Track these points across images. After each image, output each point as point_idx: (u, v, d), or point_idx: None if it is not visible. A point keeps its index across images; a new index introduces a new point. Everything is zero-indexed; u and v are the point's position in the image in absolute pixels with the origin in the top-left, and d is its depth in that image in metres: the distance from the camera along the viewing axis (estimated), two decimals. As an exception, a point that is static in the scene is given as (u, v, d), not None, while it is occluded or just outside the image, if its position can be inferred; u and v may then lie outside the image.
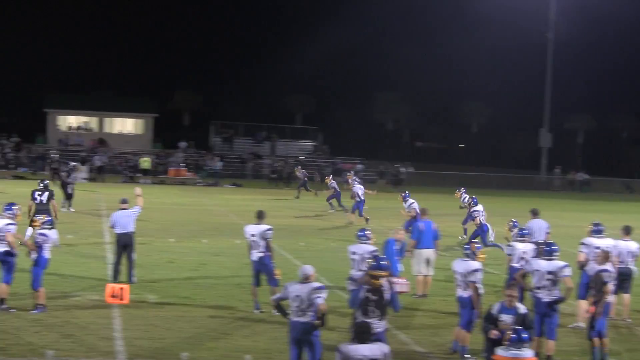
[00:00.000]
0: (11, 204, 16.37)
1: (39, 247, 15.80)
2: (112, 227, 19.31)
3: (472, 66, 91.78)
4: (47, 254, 15.91)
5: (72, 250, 23.39)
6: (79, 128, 74.11)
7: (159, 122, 76.76)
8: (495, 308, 11.96)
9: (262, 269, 16.54)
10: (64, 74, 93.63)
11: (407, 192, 30.95)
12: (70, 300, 16.92)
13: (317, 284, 11.82)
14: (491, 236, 25.90)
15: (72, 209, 33.41)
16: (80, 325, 14.87)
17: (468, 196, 29.86)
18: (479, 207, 27.04)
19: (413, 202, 28.48)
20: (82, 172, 55.19)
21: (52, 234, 16.10)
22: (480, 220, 25.42)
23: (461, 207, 31.30)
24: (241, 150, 72.79)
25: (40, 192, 25.47)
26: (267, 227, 16.70)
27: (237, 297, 17.83)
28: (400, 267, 17.84)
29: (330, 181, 38.54)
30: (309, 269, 11.98)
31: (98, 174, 57.37)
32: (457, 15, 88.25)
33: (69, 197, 34.17)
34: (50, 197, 25.63)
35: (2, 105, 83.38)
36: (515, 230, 17.73)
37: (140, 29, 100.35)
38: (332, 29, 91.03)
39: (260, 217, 16.96)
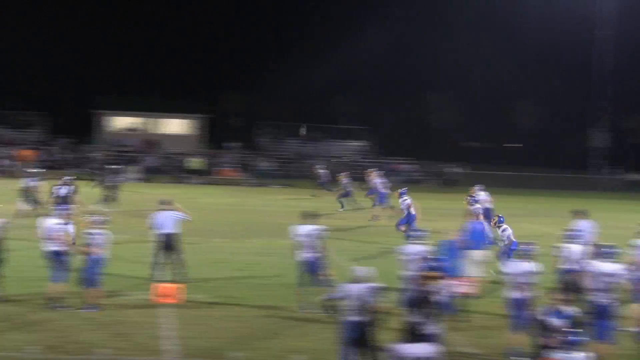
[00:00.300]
0: (65, 204, 16.74)
1: (91, 247, 16.15)
2: (153, 227, 19.58)
3: (523, 65, 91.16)
4: (101, 253, 16.25)
5: (122, 249, 23.77)
6: (129, 129, 74.97)
7: (209, 122, 77.32)
8: (544, 311, 11.85)
9: (312, 270, 16.71)
10: (114, 76, 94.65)
11: (405, 189, 30.86)
12: (122, 299, 17.23)
13: (371, 284, 11.99)
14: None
15: (109, 210, 33.64)
16: (131, 324, 15.18)
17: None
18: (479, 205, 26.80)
19: (407, 199, 28.61)
20: (133, 172, 55.92)
21: (103, 233, 16.41)
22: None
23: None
24: (290, 151, 72.97)
25: (59, 187, 26.15)
26: (321, 227, 16.88)
27: (286, 297, 17.92)
28: (465, 268, 17.47)
29: (343, 179, 38.60)
30: (363, 270, 12.18)
31: (148, 175, 57.97)
32: (508, 14, 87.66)
33: (109, 198, 34.37)
34: (71, 192, 26.41)
35: (53, 106, 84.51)
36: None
37: (190, 30, 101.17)
38: (382, 28, 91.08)
39: (312, 217, 17.17)
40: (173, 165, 62.39)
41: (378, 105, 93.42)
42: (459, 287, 15.93)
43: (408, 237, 15.98)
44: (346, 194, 38.11)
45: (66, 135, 69.86)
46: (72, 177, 27.76)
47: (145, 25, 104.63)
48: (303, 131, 76.32)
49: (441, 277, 12.19)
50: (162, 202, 19.92)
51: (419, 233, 16.03)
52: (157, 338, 14.32)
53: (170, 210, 19.70)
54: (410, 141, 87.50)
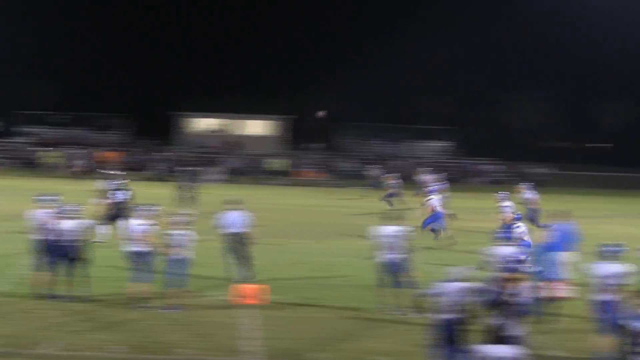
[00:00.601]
0: (150, 205, 16.98)
1: (171, 247, 16.35)
2: (221, 227, 19.72)
3: (608, 64, 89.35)
4: (184, 254, 16.45)
5: (204, 250, 24.02)
6: (210, 130, 75.71)
7: (290, 123, 77.63)
8: (628, 315, 11.62)
9: (393, 270, 16.66)
10: (196, 77, 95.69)
11: (434, 187, 31.17)
12: (204, 299, 17.40)
13: (467, 284, 11.96)
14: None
15: (190, 211, 33.82)
16: (212, 325, 15.35)
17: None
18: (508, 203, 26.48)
19: (433, 198, 28.79)
20: (214, 174, 56.47)
21: (186, 234, 16.60)
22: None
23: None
24: (372, 152, 72.75)
25: (115, 191, 26.39)
26: (401, 228, 16.85)
27: (366, 299, 17.90)
28: (554, 270, 16.95)
29: (390, 180, 38.35)
30: (460, 270, 12.28)
31: (229, 176, 58.45)
32: (593, 12, 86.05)
33: (188, 199, 34.51)
34: (126, 195, 26.58)
35: (135, 108, 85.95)
36: None
37: (272, 30, 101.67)
38: (466, 28, 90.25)
39: (395, 218, 17.14)
40: (254, 166, 62.81)
41: (461, 105, 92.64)
42: (548, 290, 15.71)
43: (499, 239, 15.87)
44: (392, 195, 37.89)
45: (148, 137, 70.91)
46: (124, 180, 27.94)
47: (226, 27, 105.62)
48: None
49: (522, 279, 12.05)
50: (229, 202, 20.05)
51: (507, 235, 15.92)
52: (238, 339, 14.45)
53: (238, 210, 19.86)
54: (494, 141, 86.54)
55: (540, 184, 61.71)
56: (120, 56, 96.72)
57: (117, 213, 25.19)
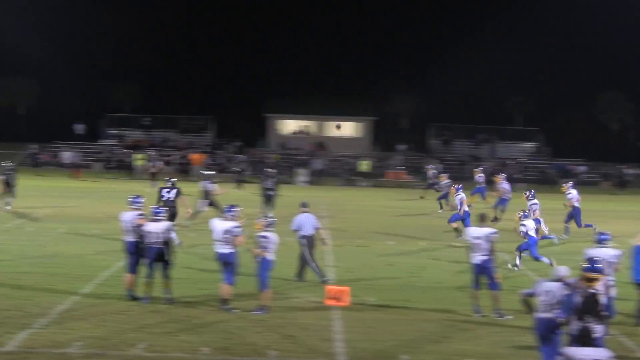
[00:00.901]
0: (233, 206, 16.92)
1: (263, 250, 16.25)
2: (296, 230, 19.72)
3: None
4: (271, 256, 16.34)
5: (292, 252, 23.96)
6: (298, 132, 75.98)
7: (378, 125, 77.43)
8: None
9: (483, 272, 16.38)
10: (283, 79, 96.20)
11: (460, 185, 31.56)
12: (292, 301, 17.26)
13: (565, 283, 11.73)
14: (545, 229, 26.56)
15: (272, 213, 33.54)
16: (301, 327, 15.17)
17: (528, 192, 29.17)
18: (536, 201, 27.52)
19: (461, 195, 29.59)
20: (302, 176, 56.62)
21: (274, 236, 16.50)
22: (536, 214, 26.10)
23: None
24: (460, 153, 72.27)
25: (167, 190, 26.49)
26: (492, 230, 16.55)
27: (457, 301, 17.73)
28: None
29: (444, 180, 37.79)
30: (563, 270, 12.08)
31: (316, 178, 58.53)
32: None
33: (268, 202, 34.03)
34: (178, 194, 26.75)
35: (224, 110, 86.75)
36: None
37: (358, 31, 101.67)
38: (551, 27, 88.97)
39: (483, 220, 16.85)
40: (342, 168, 62.77)
41: (550, 106, 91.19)
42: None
43: (598, 240, 15.55)
44: (445, 195, 37.26)
45: (236, 139, 71.44)
46: (174, 179, 28.11)
47: (314, 29, 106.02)
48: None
49: (605, 280, 11.73)
50: (304, 205, 19.99)
51: (605, 237, 15.57)
52: (326, 340, 14.25)
53: (308, 212, 19.92)
54: (584, 142, 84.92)
55: (623, 185, 60.71)
56: (205, 57, 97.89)
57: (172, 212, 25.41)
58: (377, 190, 53.61)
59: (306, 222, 19.42)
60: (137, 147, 67.91)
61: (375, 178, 60.96)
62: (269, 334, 14.58)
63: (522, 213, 22.52)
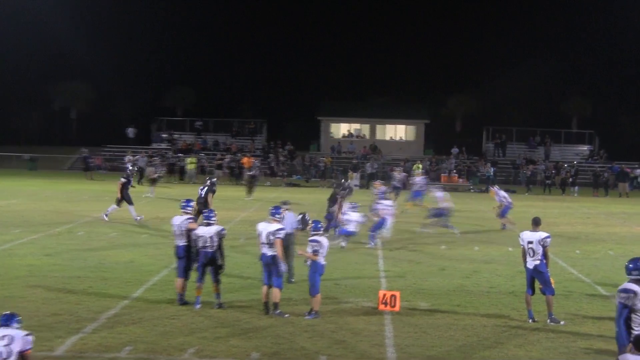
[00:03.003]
0: (277, 208, 16.95)
1: (315, 253, 16.22)
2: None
3: None
4: (322, 260, 16.30)
5: (344, 256, 23.97)
6: (351, 135, 76.00)
7: (431, 128, 77.15)
8: None
9: (538, 277, 16.20)
10: (337, 82, 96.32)
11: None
12: (343, 306, 17.21)
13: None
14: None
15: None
16: (352, 332, 15.10)
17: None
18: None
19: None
20: (355, 179, 56.57)
21: (325, 240, 16.47)
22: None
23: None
24: (514, 156, 71.74)
25: (202, 187, 27.44)
26: (545, 234, 16.35)
27: (511, 306, 17.60)
28: None
29: (420, 178, 38.71)
30: None
31: (369, 181, 58.43)
32: None
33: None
34: (209, 191, 27.99)
35: (276, 113, 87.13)
36: None
37: (412, 34, 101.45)
38: (609, 30, 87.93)
39: (536, 224, 16.67)
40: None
41: (606, 108, 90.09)
42: None
43: None
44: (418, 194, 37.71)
45: (291, 142, 71.67)
46: (213, 179, 29.17)
47: (368, 32, 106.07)
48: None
49: None
50: (284, 203, 19.81)
51: None
52: (377, 346, 14.18)
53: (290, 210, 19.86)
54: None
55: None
56: (258, 60, 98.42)
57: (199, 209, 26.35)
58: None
59: (288, 220, 19.08)
60: (188, 150, 68.39)
61: (431, 182, 60.68)
62: (320, 339, 14.54)
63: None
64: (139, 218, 31.17)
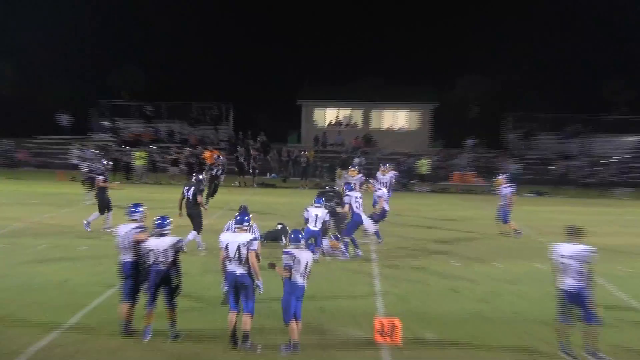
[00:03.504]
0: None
1: (288, 268, 16.21)
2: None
3: None
4: (299, 279, 16.20)
5: (332, 274, 23.95)
6: (339, 124, 76.00)
7: (439, 114, 77.17)
8: None
9: (575, 301, 16.19)
10: (322, 58, 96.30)
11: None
12: (329, 336, 17.20)
13: None
14: None
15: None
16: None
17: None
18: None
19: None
20: (343, 178, 56.62)
21: (305, 254, 16.44)
22: None
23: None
24: (545, 149, 71.88)
25: (188, 188, 27.92)
26: (588, 247, 16.29)
27: (539, 336, 17.62)
28: None
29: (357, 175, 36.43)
30: None
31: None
32: None
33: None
34: (197, 192, 28.12)
35: (247, 96, 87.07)
36: None
37: (413, 5, 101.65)
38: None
39: (575, 234, 16.61)
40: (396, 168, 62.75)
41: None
42: None
43: None
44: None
45: (264, 133, 71.70)
46: (200, 176, 29.64)
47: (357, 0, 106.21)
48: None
49: None
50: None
51: None
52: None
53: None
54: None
55: None
56: (221, 32, 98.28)
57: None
58: (438, 196, 53.48)
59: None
60: (136, 142, 68.28)
61: (435, 182, 60.84)
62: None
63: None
64: (89, 229, 31.15)
